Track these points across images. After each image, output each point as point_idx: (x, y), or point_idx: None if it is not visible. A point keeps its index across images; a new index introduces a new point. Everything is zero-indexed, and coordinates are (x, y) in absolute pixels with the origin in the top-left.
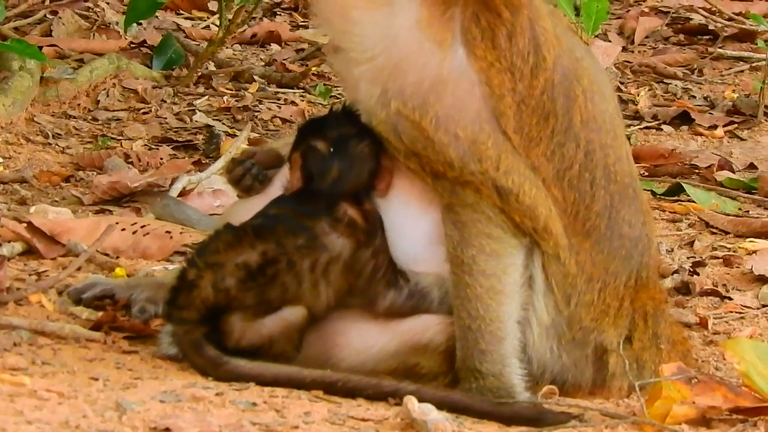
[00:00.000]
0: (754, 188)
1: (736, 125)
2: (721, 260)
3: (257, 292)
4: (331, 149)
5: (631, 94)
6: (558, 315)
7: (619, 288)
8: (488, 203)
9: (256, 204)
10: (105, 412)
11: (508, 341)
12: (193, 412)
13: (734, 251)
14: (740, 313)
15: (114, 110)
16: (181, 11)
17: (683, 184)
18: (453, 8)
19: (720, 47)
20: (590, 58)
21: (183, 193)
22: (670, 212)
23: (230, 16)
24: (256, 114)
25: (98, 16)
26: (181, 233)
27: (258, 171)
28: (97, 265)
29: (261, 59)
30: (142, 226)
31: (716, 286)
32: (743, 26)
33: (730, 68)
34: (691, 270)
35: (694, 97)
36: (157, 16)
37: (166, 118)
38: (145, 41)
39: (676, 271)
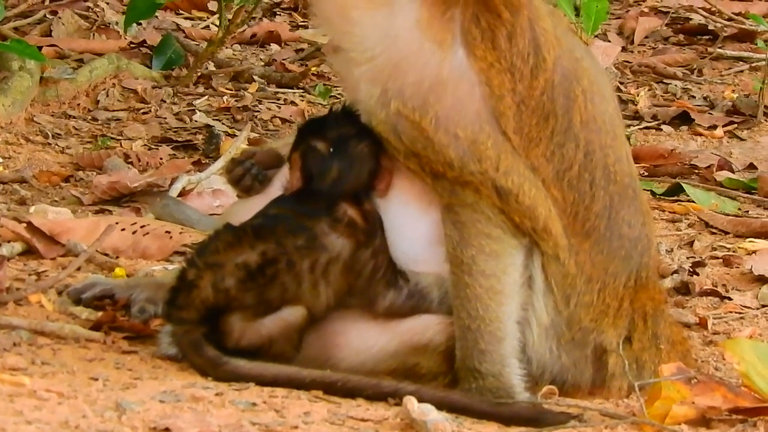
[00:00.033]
0: (754, 188)
1: (735, 125)
2: (721, 260)
3: (257, 293)
4: (331, 149)
5: (630, 94)
6: (557, 315)
7: (619, 288)
8: (488, 203)
9: (256, 204)
10: (105, 412)
11: (507, 341)
12: (192, 412)
13: (734, 251)
14: (740, 313)
15: (114, 110)
16: (181, 11)
17: (683, 185)
18: (453, 9)
19: (720, 47)
20: (590, 59)
21: (183, 193)
22: (669, 212)
23: (230, 16)
24: (255, 114)
25: (98, 16)
26: (180, 233)
27: (258, 171)
28: (97, 265)
29: (261, 59)
30: (141, 226)
31: (716, 287)
32: (743, 26)
33: (730, 68)
34: (691, 270)
35: (694, 97)
36: (156, 16)
37: (165, 118)
38: (144, 41)
39: (675, 272)
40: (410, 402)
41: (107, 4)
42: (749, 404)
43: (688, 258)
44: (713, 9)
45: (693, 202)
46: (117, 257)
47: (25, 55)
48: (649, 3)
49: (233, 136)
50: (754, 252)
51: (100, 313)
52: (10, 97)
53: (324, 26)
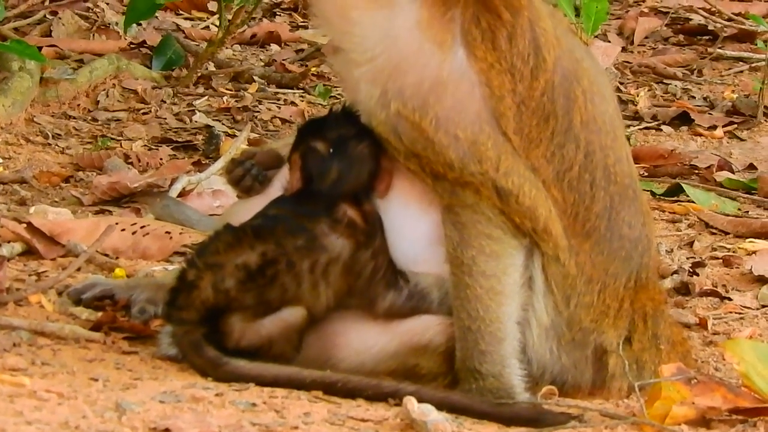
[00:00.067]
0: (754, 189)
1: (735, 126)
2: (721, 261)
3: (257, 293)
4: (331, 150)
5: (630, 94)
6: (558, 316)
7: (619, 289)
8: (488, 204)
9: (256, 205)
10: (105, 412)
11: (507, 342)
12: (192, 413)
13: (734, 252)
14: (740, 313)
15: (114, 111)
16: (181, 12)
17: (683, 185)
18: (453, 9)
19: (719, 48)
20: (590, 59)
21: (183, 194)
22: (669, 213)
23: (230, 17)
24: (255, 114)
25: (98, 17)
26: (180, 234)
27: (258, 172)
28: (97, 266)
29: (261, 60)
30: (141, 227)
31: (716, 287)
32: (743, 27)
33: (730, 69)
34: (691, 270)
35: (694, 97)
36: (156, 17)
37: (165, 118)
38: (144, 42)
39: (675, 272)
40: (410, 402)
41: (107, 4)
42: (749, 405)
43: (688, 258)
44: (713, 9)
45: (693, 202)
46: (117, 258)
47: (25, 56)
48: (649, 3)
49: (233, 136)
50: (754, 252)
51: (100, 314)
52: (10, 98)
53: (324, 27)
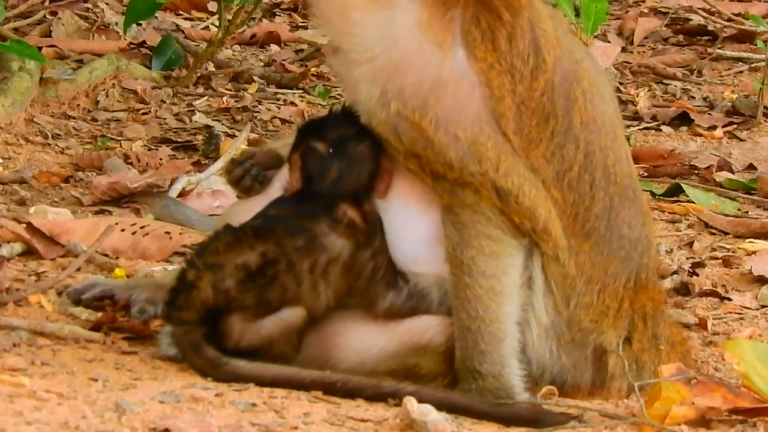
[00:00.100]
0: (754, 189)
1: (735, 126)
2: (721, 261)
3: (257, 293)
4: (331, 150)
5: (630, 94)
6: (557, 316)
7: (619, 289)
8: (488, 204)
9: (256, 205)
10: (104, 412)
11: (507, 342)
12: (192, 413)
13: (733, 252)
14: (739, 313)
15: (113, 111)
16: (181, 12)
17: (682, 185)
18: (453, 10)
19: (719, 48)
20: (590, 60)
21: (182, 194)
22: (669, 213)
23: (229, 17)
24: (255, 114)
25: (98, 17)
26: (180, 234)
27: (257, 172)
28: (97, 266)
29: (260, 60)
30: (141, 227)
31: (715, 287)
32: (742, 27)
33: (730, 69)
34: (691, 271)
35: (694, 97)
36: (156, 17)
37: (165, 118)
38: (144, 42)
39: (675, 272)
40: (410, 402)
41: (107, 4)
42: (749, 405)
43: (687, 258)
44: (713, 9)
45: (693, 202)
46: (117, 258)
47: (24, 56)
48: (649, 3)
49: (233, 136)
50: (754, 252)
51: (99, 314)
52: (9, 98)
53: (324, 27)
